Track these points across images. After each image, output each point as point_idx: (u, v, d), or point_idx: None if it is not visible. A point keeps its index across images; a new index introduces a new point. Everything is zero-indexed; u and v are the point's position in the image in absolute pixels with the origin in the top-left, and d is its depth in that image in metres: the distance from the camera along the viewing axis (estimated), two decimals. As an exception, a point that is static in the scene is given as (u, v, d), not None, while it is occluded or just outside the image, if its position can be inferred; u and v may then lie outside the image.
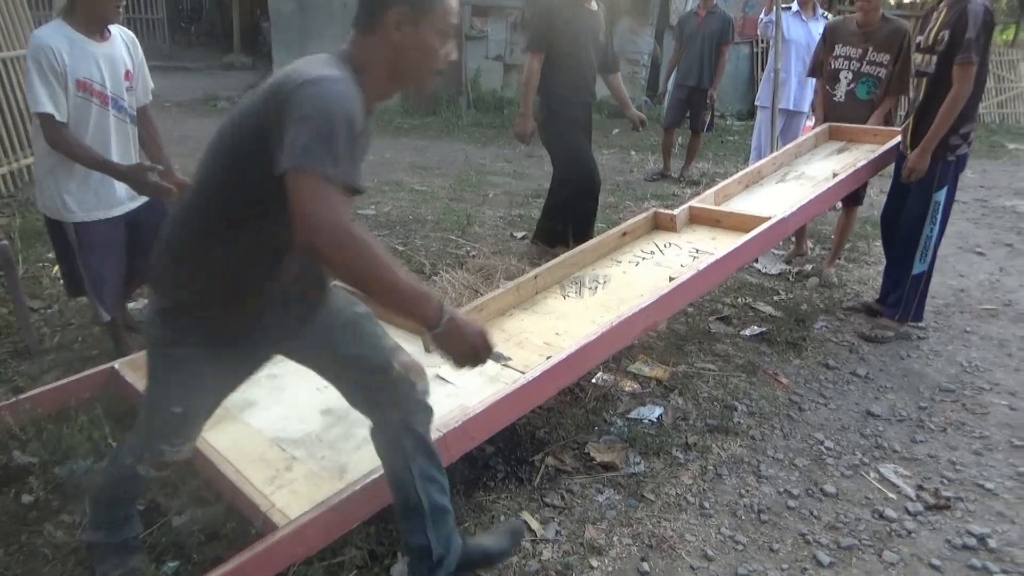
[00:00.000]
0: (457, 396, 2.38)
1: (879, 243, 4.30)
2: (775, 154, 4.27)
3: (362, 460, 2.09)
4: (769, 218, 3.20)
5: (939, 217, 3.55)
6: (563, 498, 2.36)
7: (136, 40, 2.79)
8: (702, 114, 6.74)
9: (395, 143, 8.04)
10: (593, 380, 3.07)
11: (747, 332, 3.67)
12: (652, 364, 3.26)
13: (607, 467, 2.52)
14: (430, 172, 6.86)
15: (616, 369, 3.20)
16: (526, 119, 4.03)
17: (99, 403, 2.51)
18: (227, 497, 2.01)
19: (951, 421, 3.00)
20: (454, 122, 9.30)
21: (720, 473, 2.56)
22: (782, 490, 2.49)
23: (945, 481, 2.60)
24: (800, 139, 4.42)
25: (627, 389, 3.05)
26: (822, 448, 2.75)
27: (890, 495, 2.50)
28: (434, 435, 1.91)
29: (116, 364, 2.52)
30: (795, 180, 3.96)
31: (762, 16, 5.60)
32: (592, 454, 2.58)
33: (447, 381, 2.49)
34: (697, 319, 3.81)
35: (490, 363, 2.26)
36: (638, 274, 3.17)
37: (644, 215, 3.60)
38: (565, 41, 3.91)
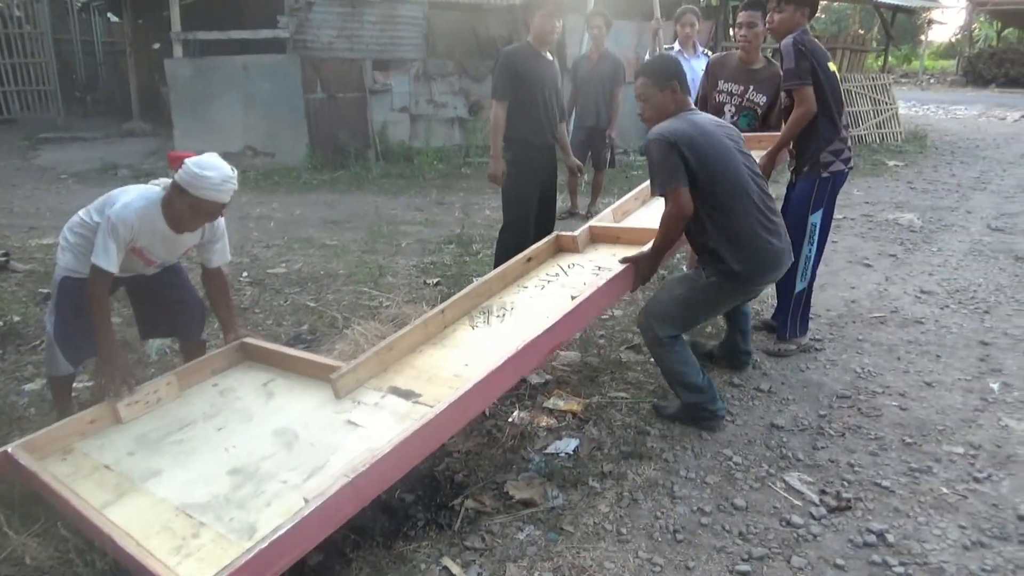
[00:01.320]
0: (368, 439, 2.37)
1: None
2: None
3: (272, 516, 2.07)
4: None
5: (816, 238, 3.79)
6: (484, 540, 2.38)
7: (220, 224, 2.95)
8: (603, 152, 6.99)
9: (304, 199, 8.01)
10: (510, 419, 3.12)
11: (656, 358, 3.80)
12: (567, 398, 3.33)
13: (527, 504, 2.56)
14: (341, 226, 6.86)
15: (532, 406, 3.26)
16: (497, 161, 4.28)
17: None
18: (134, 573, 1.95)
19: (848, 426, 3.18)
20: (363, 175, 9.33)
21: (636, 498, 2.63)
22: (695, 508, 2.58)
23: (845, 483, 2.75)
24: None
25: (543, 425, 3.10)
26: (731, 463, 2.87)
27: (796, 502, 2.62)
28: (342, 481, 1.94)
29: (10, 448, 2.42)
30: None
31: (646, 57, 5.89)
32: (511, 492, 2.61)
33: (357, 424, 2.49)
34: (608, 350, 3.92)
35: (399, 400, 2.34)
36: (544, 297, 3.24)
37: (547, 239, 3.70)
38: (526, 89, 4.20)
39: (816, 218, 3.74)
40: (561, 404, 3.27)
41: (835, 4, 21.04)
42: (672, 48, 5.70)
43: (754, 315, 4.44)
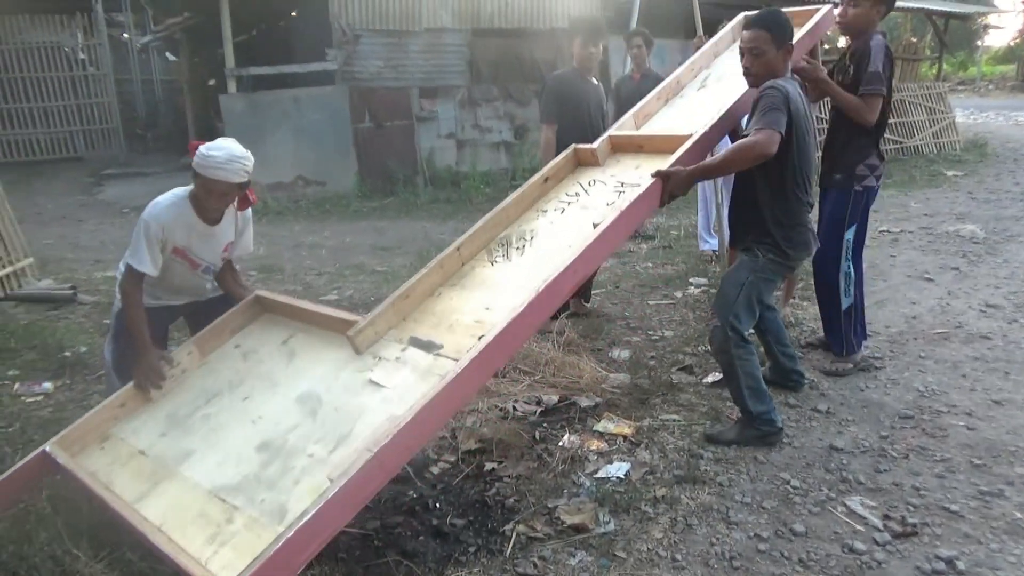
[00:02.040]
0: (391, 401, 2.32)
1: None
2: (692, 58, 3.97)
3: (302, 495, 2.08)
4: (691, 135, 3.02)
5: (852, 253, 3.71)
6: (536, 566, 2.35)
7: (248, 214, 3.06)
8: (649, 170, 6.97)
9: (354, 227, 8.15)
10: (560, 443, 3.09)
11: (709, 379, 3.73)
12: (617, 421, 3.29)
13: (578, 529, 2.53)
14: (391, 252, 6.95)
15: (582, 430, 3.23)
16: None
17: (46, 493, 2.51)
18: (171, 569, 1.99)
19: (912, 447, 3.06)
20: (412, 201, 9.47)
21: (690, 523, 2.57)
22: (752, 534, 2.51)
23: (911, 508, 2.64)
24: (717, 36, 4.14)
25: (593, 448, 3.07)
26: (789, 487, 2.78)
27: (858, 527, 2.53)
28: (365, 456, 1.94)
29: (48, 447, 2.52)
30: (716, 83, 3.74)
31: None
32: (562, 517, 2.58)
33: (379, 385, 2.43)
34: (659, 371, 3.86)
35: (421, 353, 2.28)
36: (565, 222, 2.98)
37: (565, 153, 3.36)
38: (572, 112, 4.33)
39: (850, 234, 3.66)
40: (612, 427, 3.23)
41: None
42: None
43: (811, 334, 4.33)
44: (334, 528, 1.91)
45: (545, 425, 3.29)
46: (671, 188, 2.80)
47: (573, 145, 3.38)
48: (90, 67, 13.89)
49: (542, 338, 4.07)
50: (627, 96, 6.95)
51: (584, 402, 3.46)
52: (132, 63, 16.14)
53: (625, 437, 3.16)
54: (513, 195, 3.13)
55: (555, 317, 4.30)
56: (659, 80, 6.84)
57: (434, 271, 2.80)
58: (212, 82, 14.81)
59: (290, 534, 1.78)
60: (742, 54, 3.03)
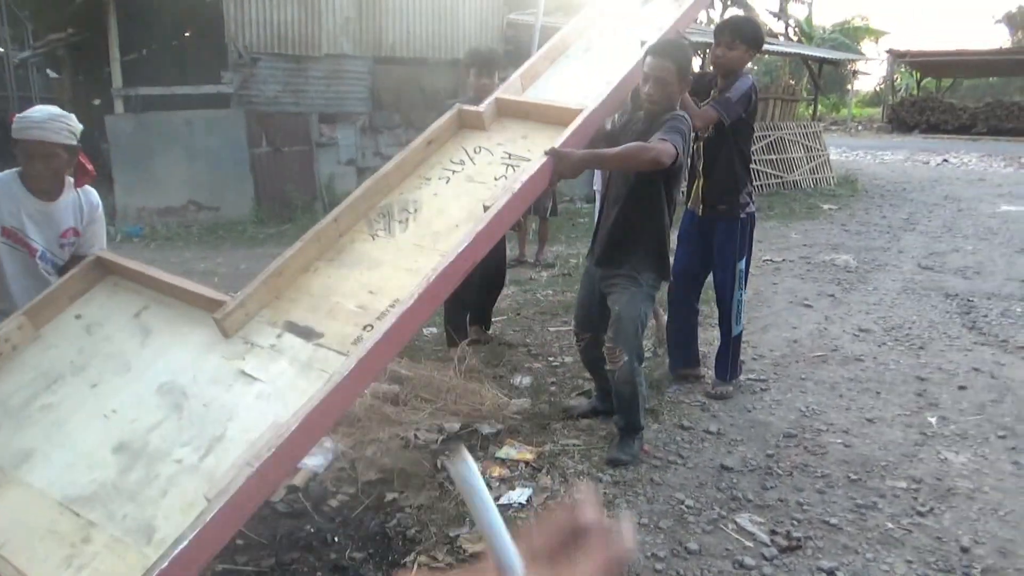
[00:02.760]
0: (268, 399, 2.09)
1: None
2: (577, 17, 3.74)
3: (171, 510, 1.81)
4: (580, 111, 2.86)
5: (744, 281, 3.95)
6: (437, 596, 2.33)
7: (95, 201, 2.81)
8: (544, 200, 7.10)
9: (249, 253, 7.91)
10: (462, 471, 3.09)
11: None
12: (519, 447, 3.32)
13: (480, 558, 2.52)
14: (288, 280, 6.77)
15: (484, 457, 3.24)
16: None
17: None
18: None
19: (796, 464, 3.23)
20: (310, 227, 9.26)
21: (590, 546, 2.61)
22: (650, 554, 2.58)
23: (795, 522, 2.79)
24: None
25: (496, 475, 3.08)
26: (683, 507, 2.88)
27: (747, 543, 2.65)
28: (246, 472, 1.72)
29: None
30: (601, 45, 3.56)
31: None
32: (465, 546, 2.58)
33: (254, 377, 2.16)
34: (560, 396, 3.93)
35: (299, 341, 2.15)
36: (449, 195, 2.76)
37: (448, 114, 3.10)
38: None
39: (743, 264, 3.88)
40: (513, 453, 3.26)
41: (766, 56, 22.10)
42: None
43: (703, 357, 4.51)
44: (210, 553, 1.73)
45: (446, 453, 3.27)
46: (561, 170, 2.68)
47: (457, 105, 3.15)
48: (-42, 82, 12.98)
49: (443, 365, 4.07)
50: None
51: (486, 429, 3.48)
52: (8, 79, 15.19)
53: (527, 463, 3.19)
54: (394, 159, 2.87)
55: (455, 344, 4.31)
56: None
57: (310, 244, 2.53)
58: (97, 102, 14.12)
59: (164, 565, 1.56)
60: (645, 79, 3.09)
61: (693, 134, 3.27)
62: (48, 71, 16.79)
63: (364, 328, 2.17)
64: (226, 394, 2.11)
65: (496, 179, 2.77)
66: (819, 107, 17.16)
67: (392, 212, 2.72)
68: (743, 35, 3.71)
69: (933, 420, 3.69)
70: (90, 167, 2.75)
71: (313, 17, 9.73)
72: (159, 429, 2.04)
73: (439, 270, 2.23)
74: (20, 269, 2.66)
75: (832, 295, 6.07)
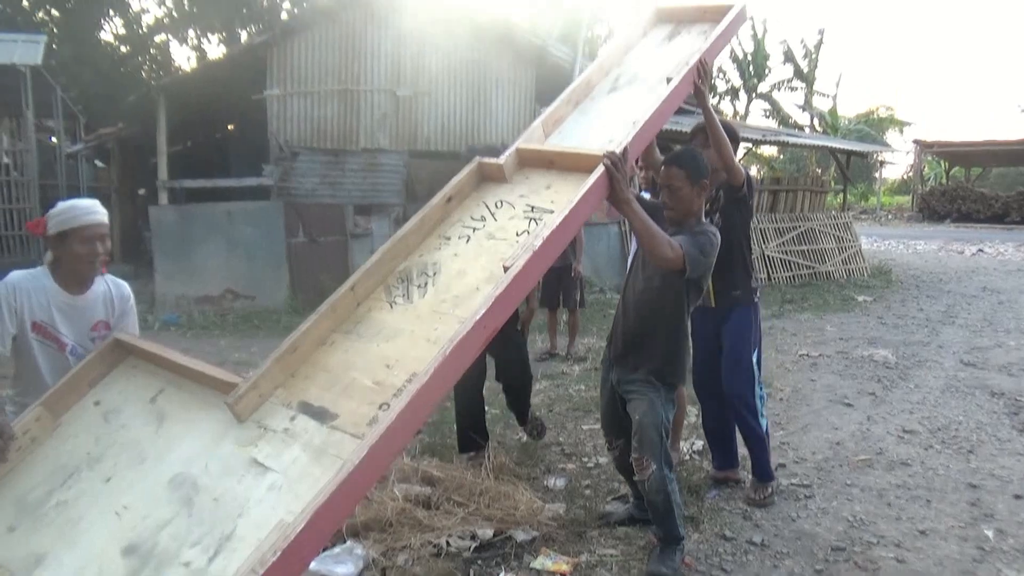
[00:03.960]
0: (279, 491, 2.01)
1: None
2: (601, 58, 3.58)
3: None
4: (601, 155, 2.69)
5: (760, 376, 3.87)
6: None
7: (126, 293, 2.83)
8: (572, 292, 7.11)
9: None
10: (496, 582, 2.98)
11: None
12: (554, 557, 3.20)
13: None
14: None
15: (519, 567, 3.13)
16: None
17: None
18: None
19: (846, 582, 3.07)
20: (343, 316, 9.37)
21: (632, 672, 2.48)
22: None
23: (850, 648, 2.62)
24: (626, 31, 3.79)
25: (531, 588, 2.97)
26: (729, 628, 2.74)
27: (800, 672, 2.49)
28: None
29: None
30: (628, 86, 3.36)
31: None
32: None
33: (265, 467, 2.09)
34: (596, 500, 3.82)
35: (312, 424, 2.06)
36: (469, 255, 2.63)
37: (468, 168, 2.96)
38: None
39: (755, 356, 3.82)
40: (549, 564, 3.14)
41: (791, 148, 22.46)
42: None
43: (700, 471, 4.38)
44: None
45: (480, 562, 3.18)
46: (619, 181, 2.61)
47: (477, 158, 3.02)
48: (14, 172, 13.59)
49: (476, 466, 3.99)
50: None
51: (520, 536, 3.37)
52: (59, 169, 15.87)
53: (563, 574, 3.07)
54: (413, 219, 2.75)
55: (468, 450, 4.27)
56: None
57: (325, 316, 2.44)
58: (142, 192, 14.67)
59: None
60: (661, 188, 3.16)
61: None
62: (96, 161, 17.53)
63: (380, 407, 2.08)
64: (238, 486, 2.05)
65: (518, 235, 2.61)
66: (848, 196, 17.23)
67: (411, 276, 2.60)
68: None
69: (990, 533, 3.50)
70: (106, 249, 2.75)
71: (352, 113, 10.12)
72: (169, 527, 2.01)
73: (455, 340, 2.10)
74: (51, 365, 2.64)
75: (873, 393, 5.92)
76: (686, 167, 3.10)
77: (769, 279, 12.01)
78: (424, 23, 10.19)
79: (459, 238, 2.72)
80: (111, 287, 2.78)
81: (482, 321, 2.17)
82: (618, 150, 2.60)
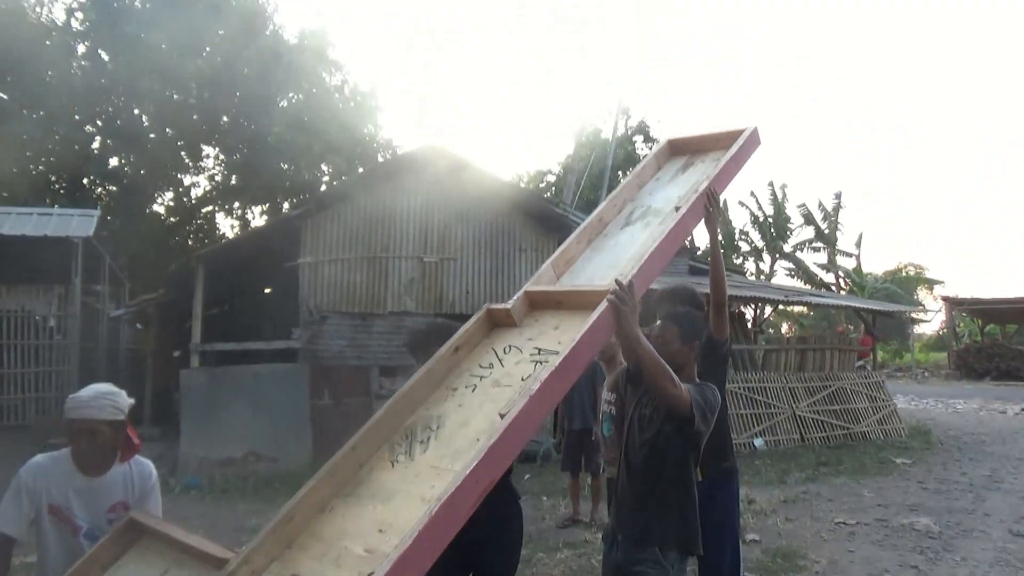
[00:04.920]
0: None
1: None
2: (615, 192, 3.49)
3: None
4: (608, 289, 2.59)
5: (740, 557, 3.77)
6: None
7: (147, 472, 2.86)
8: (594, 457, 6.96)
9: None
10: None
11: None
12: None
13: None
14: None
15: None
16: None
17: None
18: None
19: None
20: (364, 480, 9.22)
21: None
22: None
23: None
24: (640, 166, 3.65)
25: None
26: None
27: None
28: None
29: None
30: (641, 220, 3.26)
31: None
32: None
33: None
34: None
35: None
36: (474, 405, 2.51)
37: (477, 315, 2.88)
38: None
39: (737, 542, 3.74)
40: None
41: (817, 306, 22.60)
42: None
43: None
44: None
45: None
46: (626, 311, 2.49)
47: (486, 305, 2.94)
48: (57, 335, 14.11)
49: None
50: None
51: None
52: (101, 332, 16.47)
53: None
54: (419, 372, 2.66)
55: None
56: (595, 364, 7.12)
57: (324, 481, 2.33)
58: (177, 353, 15.06)
59: None
60: (653, 337, 3.02)
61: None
62: (137, 324, 18.17)
63: None
64: None
65: (524, 379, 2.49)
66: (881, 353, 17.00)
67: (415, 432, 2.49)
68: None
69: None
70: (136, 441, 2.82)
71: (380, 278, 10.51)
72: None
73: (443, 498, 1.99)
74: (62, 549, 2.66)
75: (915, 567, 5.56)
76: (680, 325, 3.09)
77: (802, 440, 11.67)
78: (451, 194, 10.79)
79: (465, 387, 2.61)
80: (132, 467, 2.82)
81: (474, 475, 2.05)
82: (624, 282, 2.52)
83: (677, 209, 2.99)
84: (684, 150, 3.61)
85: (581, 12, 54.54)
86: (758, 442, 11.21)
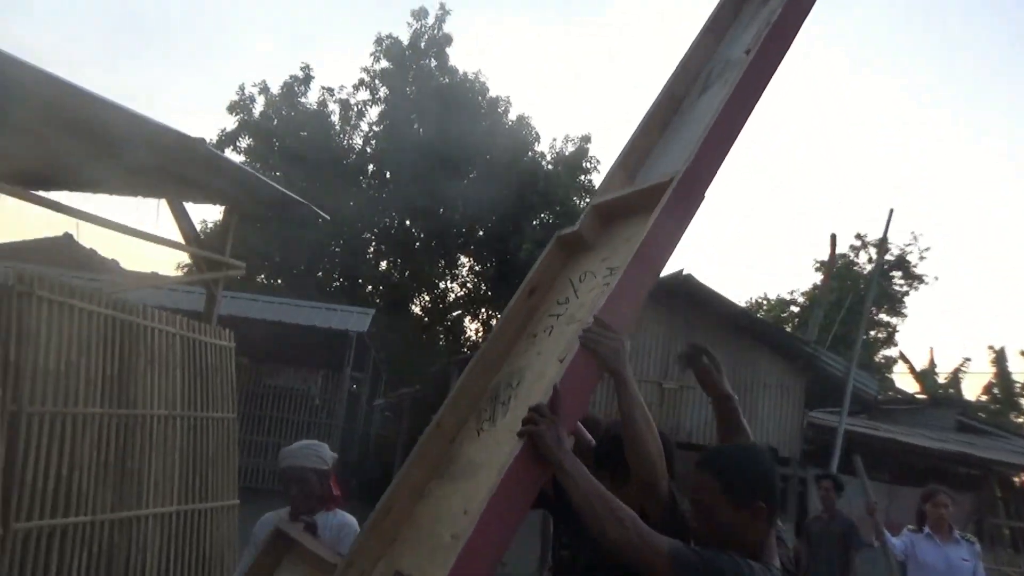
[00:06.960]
0: None
1: None
2: (684, 55, 2.71)
3: None
4: (668, 181, 2.11)
5: None
6: None
7: (345, 523, 3.05)
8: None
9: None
10: None
11: None
12: None
13: None
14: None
15: None
16: None
17: None
18: None
19: None
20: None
21: None
22: None
23: None
24: (713, 12, 2.75)
25: None
26: None
27: None
28: None
29: None
30: (720, 79, 2.46)
31: (889, 539, 5.72)
32: None
33: None
34: None
35: None
36: (551, 350, 2.11)
37: (548, 248, 2.44)
38: None
39: None
40: None
41: None
42: (921, 531, 5.49)
43: None
44: None
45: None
46: (548, 438, 1.75)
47: (557, 233, 2.48)
48: (321, 414, 15.98)
49: None
50: (817, 538, 6.83)
51: None
52: (359, 417, 18.31)
53: None
54: (496, 327, 2.34)
55: None
56: (850, 524, 6.75)
57: (416, 466, 2.09)
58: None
59: None
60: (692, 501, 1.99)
61: None
62: (387, 412, 19.99)
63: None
64: None
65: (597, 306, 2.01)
66: None
67: (498, 393, 2.15)
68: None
69: None
70: (336, 492, 3.02)
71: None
72: None
73: (503, 474, 1.69)
74: None
75: None
76: (721, 476, 1.89)
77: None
78: (696, 323, 10.99)
79: (544, 331, 2.22)
80: (335, 517, 3.00)
81: (520, 459, 1.71)
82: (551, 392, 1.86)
83: (748, 53, 2.20)
84: None
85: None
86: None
